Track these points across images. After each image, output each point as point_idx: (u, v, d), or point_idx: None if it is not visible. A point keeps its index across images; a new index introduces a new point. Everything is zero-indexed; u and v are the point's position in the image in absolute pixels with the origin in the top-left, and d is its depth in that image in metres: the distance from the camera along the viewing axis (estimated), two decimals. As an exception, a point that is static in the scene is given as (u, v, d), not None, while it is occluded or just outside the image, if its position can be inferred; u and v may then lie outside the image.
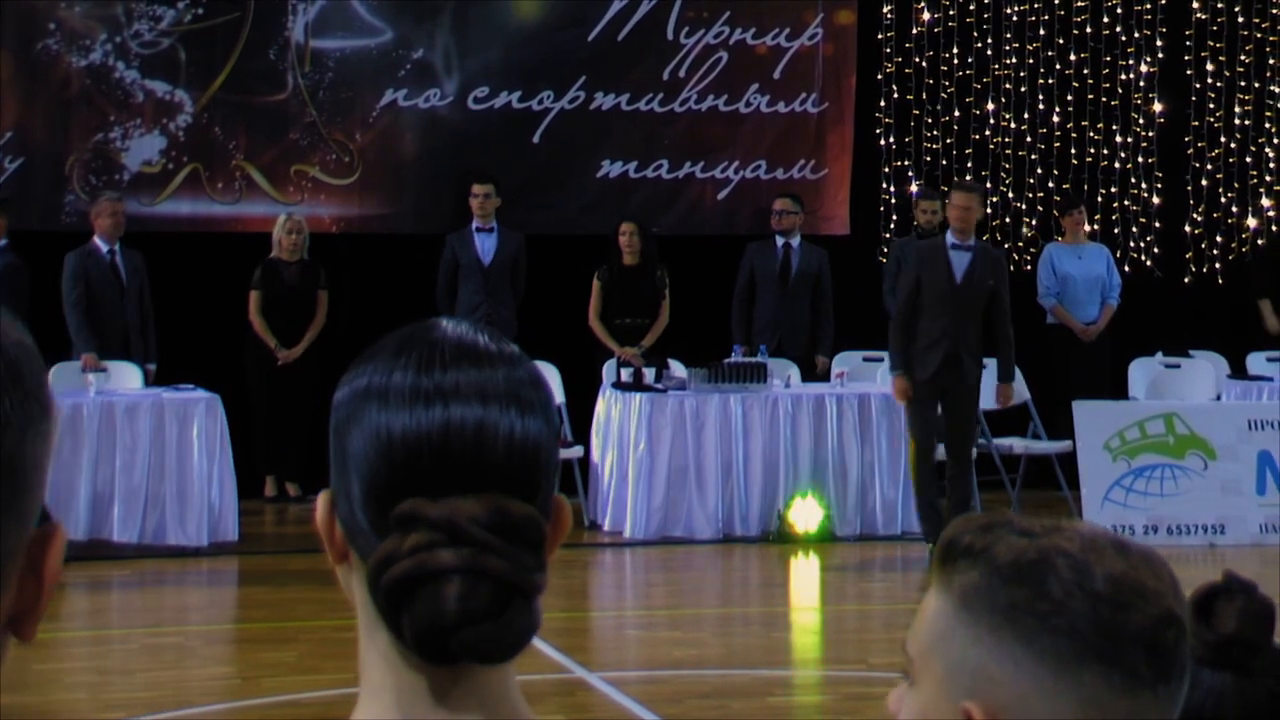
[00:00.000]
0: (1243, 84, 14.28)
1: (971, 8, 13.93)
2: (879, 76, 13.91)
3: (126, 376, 11.71)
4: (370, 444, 1.38)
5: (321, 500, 1.43)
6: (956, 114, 14.00)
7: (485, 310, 12.51)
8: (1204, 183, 14.29)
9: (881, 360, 12.83)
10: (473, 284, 12.63)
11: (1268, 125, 14.32)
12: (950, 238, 10.76)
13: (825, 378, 12.53)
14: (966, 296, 10.65)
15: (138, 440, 10.90)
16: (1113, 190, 14.21)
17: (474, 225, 12.71)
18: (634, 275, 12.61)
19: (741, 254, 13.05)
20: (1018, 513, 12.59)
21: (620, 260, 12.63)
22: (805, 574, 10.95)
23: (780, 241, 12.96)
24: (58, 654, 8.43)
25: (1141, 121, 14.20)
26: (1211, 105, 14.26)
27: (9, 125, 12.65)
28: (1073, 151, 14.16)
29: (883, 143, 13.96)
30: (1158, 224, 14.26)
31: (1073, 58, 14.09)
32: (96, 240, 12.02)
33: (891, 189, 13.96)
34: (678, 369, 12.03)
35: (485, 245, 12.68)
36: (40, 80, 12.71)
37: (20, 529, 1.06)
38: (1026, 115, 14.08)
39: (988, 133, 14.05)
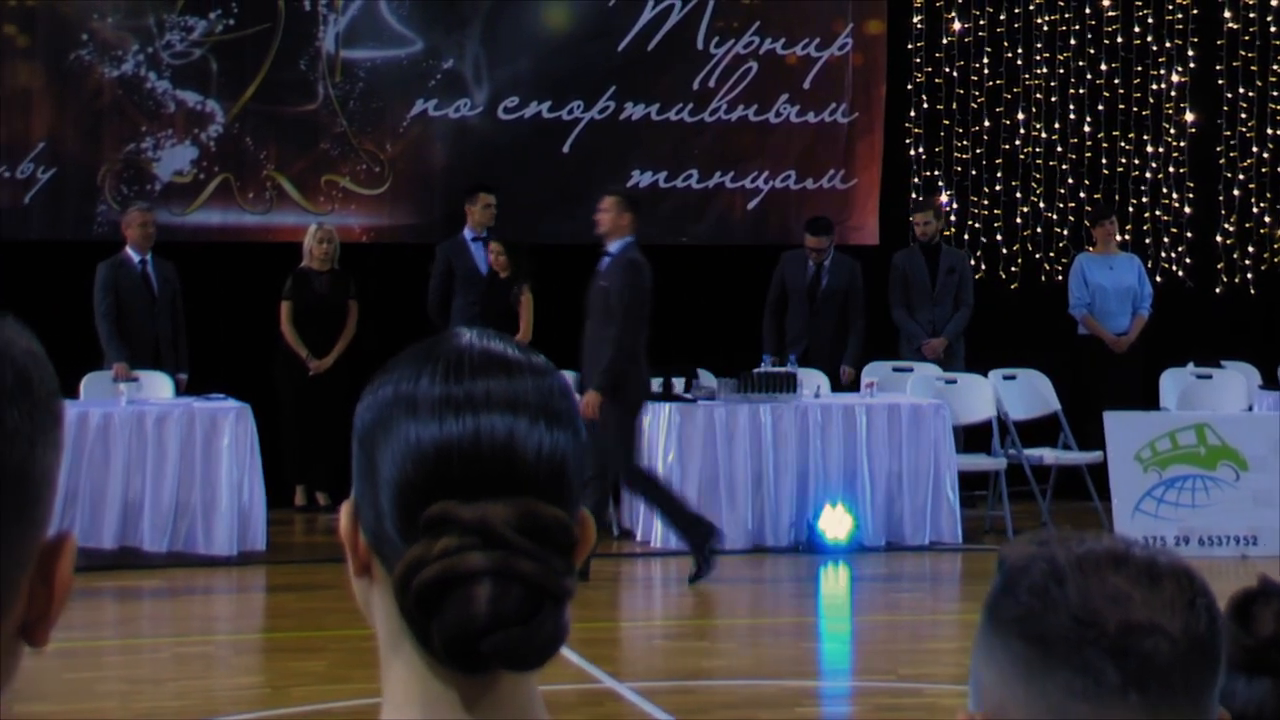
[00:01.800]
0: (1274, 94, 14.22)
1: (1002, 18, 13.90)
2: (909, 86, 13.89)
3: (158, 386, 11.74)
4: (399, 453, 1.37)
5: (345, 510, 1.42)
6: (986, 124, 13.97)
7: (483, 321, 12.50)
8: (1236, 193, 14.24)
9: (911, 371, 12.83)
10: (471, 294, 12.57)
11: (1300, 135, 14.26)
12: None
13: (852, 388, 12.52)
14: (589, 303, 10.57)
15: (168, 450, 10.92)
16: (1144, 200, 14.17)
17: (469, 235, 12.68)
18: (503, 289, 12.38)
19: (773, 263, 13.03)
20: (1050, 523, 12.53)
21: (496, 275, 12.40)
22: (834, 584, 10.93)
23: (811, 263, 12.96)
24: (88, 663, 8.45)
25: (1173, 131, 14.16)
26: (1243, 115, 14.21)
27: (42, 136, 12.71)
28: (1104, 161, 14.12)
29: (912, 153, 13.94)
30: (1189, 234, 14.21)
31: (1104, 67, 14.05)
32: (128, 250, 12.06)
33: (921, 199, 13.94)
34: (707, 379, 12.02)
35: (481, 255, 12.66)
36: (72, 91, 12.76)
37: (31, 538, 1.06)
38: (1057, 125, 14.04)
39: (1018, 143, 14.02)
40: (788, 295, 12.94)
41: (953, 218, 13.97)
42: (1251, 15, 14.17)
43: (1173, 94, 14.15)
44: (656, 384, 11.91)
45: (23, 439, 1.03)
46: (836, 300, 12.88)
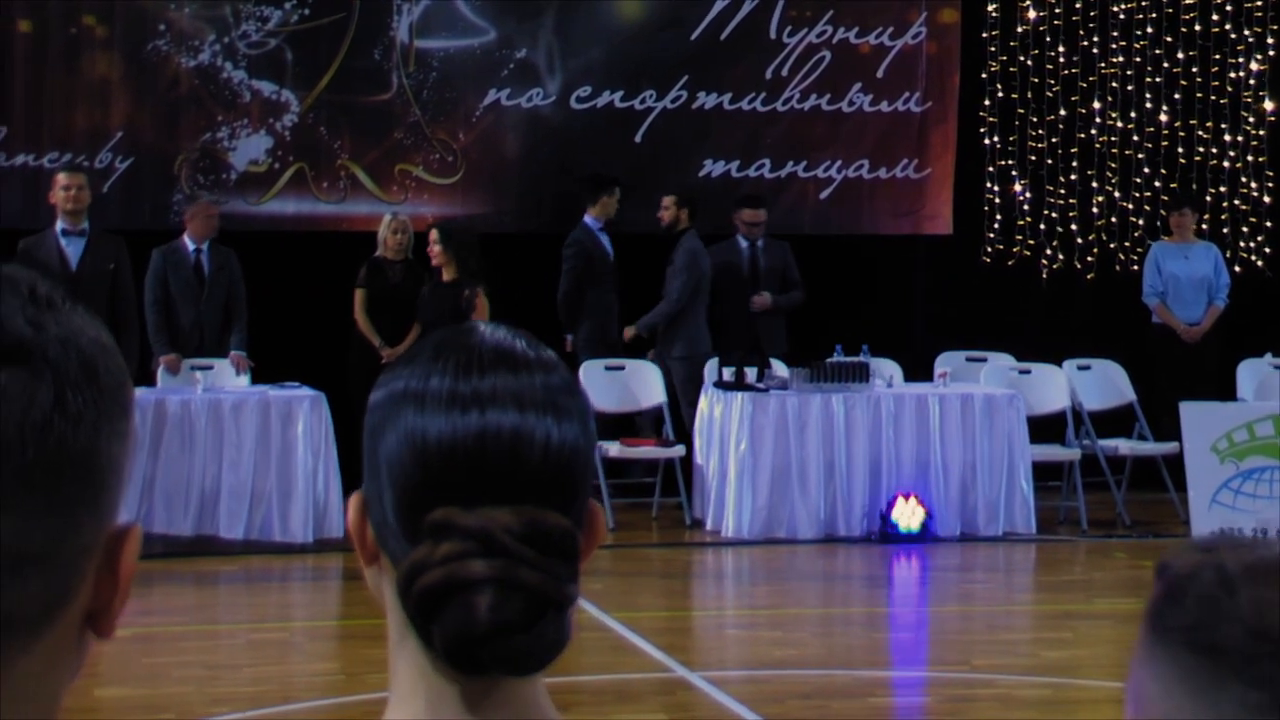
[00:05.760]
0: (1355, 81, 14.06)
1: (1077, 5, 13.80)
2: (983, 75, 13.82)
3: (230, 374, 11.82)
4: (405, 449, 1.37)
5: (353, 502, 1.42)
6: (1062, 113, 13.88)
7: (617, 310, 12.52)
8: (1315, 181, 14.09)
9: (985, 360, 12.77)
10: (606, 284, 12.57)
11: (1380, 123, 14.09)
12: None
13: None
14: None
15: (244, 438, 11.01)
16: (1222, 190, 14.04)
17: (598, 225, 12.65)
18: (446, 292, 11.83)
19: (849, 252, 12.96)
20: (1123, 515, 12.37)
21: (438, 275, 11.92)
22: (907, 574, 10.90)
23: (745, 243, 12.83)
24: (166, 648, 8.54)
25: (1251, 120, 14.02)
26: (1323, 103, 14.06)
27: (119, 125, 12.83)
28: (1180, 150, 14.01)
29: (987, 142, 13.87)
30: (1268, 223, 14.07)
31: (1181, 55, 13.93)
32: (185, 238, 12.07)
33: (995, 188, 13.87)
34: (779, 368, 12.01)
35: (607, 243, 12.69)
36: (150, 81, 12.87)
37: (97, 526, 1.06)
38: (1133, 114, 13.93)
39: (1094, 131, 13.92)
40: (726, 287, 12.77)
41: (1026, 206, 13.89)
42: (1332, 2, 14.01)
43: (1251, 82, 14.01)
44: (729, 373, 11.91)
45: (88, 426, 1.04)
46: (774, 285, 12.73)
